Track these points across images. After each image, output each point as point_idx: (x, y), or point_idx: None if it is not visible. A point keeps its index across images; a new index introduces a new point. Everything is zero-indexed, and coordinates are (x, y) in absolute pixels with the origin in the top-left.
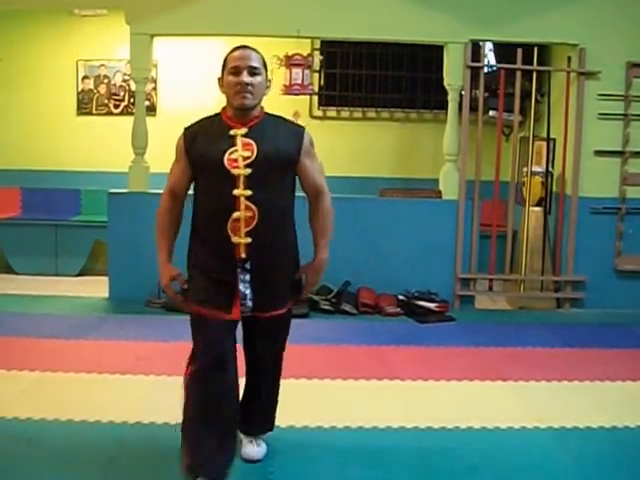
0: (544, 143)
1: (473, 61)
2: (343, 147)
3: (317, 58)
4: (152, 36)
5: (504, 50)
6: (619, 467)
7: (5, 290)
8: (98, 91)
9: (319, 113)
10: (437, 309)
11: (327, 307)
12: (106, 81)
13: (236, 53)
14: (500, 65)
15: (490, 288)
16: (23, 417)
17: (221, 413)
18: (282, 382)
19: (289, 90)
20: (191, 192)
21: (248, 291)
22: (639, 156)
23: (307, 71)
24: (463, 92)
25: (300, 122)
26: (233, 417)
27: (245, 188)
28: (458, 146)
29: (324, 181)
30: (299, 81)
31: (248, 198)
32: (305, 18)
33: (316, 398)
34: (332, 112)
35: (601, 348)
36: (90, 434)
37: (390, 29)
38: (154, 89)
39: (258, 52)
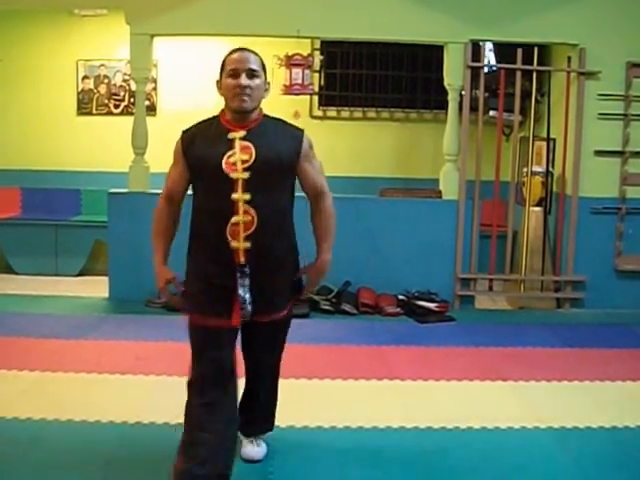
0: (544, 143)
1: (473, 61)
2: (343, 147)
3: (317, 58)
4: (152, 36)
5: (504, 50)
6: (619, 467)
7: (5, 290)
8: (98, 91)
9: (319, 113)
10: (437, 309)
11: (327, 307)
12: (106, 81)
13: (234, 55)
14: (500, 65)
15: (490, 288)
16: (23, 417)
17: (220, 423)
18: (282, 382)
19: (289, 90)
20: (190, 192)
21: (247, 295)
22: (639, 156)
23: (307, 71)
24: (463, 92)
25: (300, 122)
26: (232, 425)
27: (244, 192)
28: (458, 146)
29: (325, 182)
30: (299, 81)
31: (247, 202)
32: (305, 18)
33: (316, 398)
34: (332, 112)
35: (601, 348)
36: (90, 434)
37: (390, 29)
38: (154, 89)
39: (257, 54)
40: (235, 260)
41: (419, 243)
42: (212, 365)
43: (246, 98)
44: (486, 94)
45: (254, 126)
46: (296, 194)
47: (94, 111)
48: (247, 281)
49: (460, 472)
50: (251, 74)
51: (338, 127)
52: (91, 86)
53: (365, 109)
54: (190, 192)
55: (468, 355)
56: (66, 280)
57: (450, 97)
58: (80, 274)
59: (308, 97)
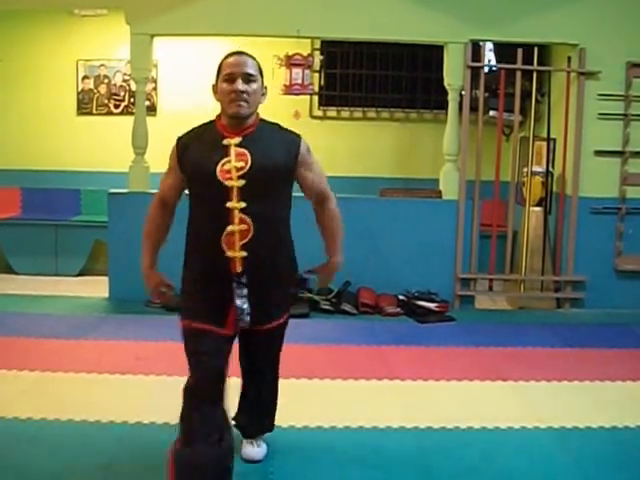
0: (544, 143)
1: (473, 61)
2: (343, 147)
3: (317, 58)
4: (152, 36)
5: (504, 50)
6: (619, 467)
7: (5, 290)
8: (98, 91)
9: (319, 113)
10: (437, 309)
11: (327, 307)
12: (106, 81)
13: (231, 59)
14: (500, 65)
15: (490, 288)
16: (23, 417)
17: (213, 434)
18: (282, 382)
19: (289, 90)
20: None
21: (246, 305)
22: (639, 156)
23: (307, 71)
24: (463, 92)
25: (300, 122)
26: (225, 435)
27: (239, 200)
28: (458, 146)
29: (327, 185)
30: (299, 81)
31: (242, 210)
32: (305, 18)
33: (316, 398)
34: (332, 112)
35: (601, 348)
36: (90, 434)
37: (390, 29)
38: (154, 89)
39: (254, 58)
40: (231, 270)
41: (419, 243)
42: (206, 374)
43: (243, 104)
44: (486, 94)
45: (250, 132)
46: (296, 194)
47: (94, 111)
48: (245, 291)
49: (460, 472)
50: (247, 79)
51: (338, 127)
52: (91, 86)
53: (365, 109)
54: (188, 193)
55: (468, 355)
56: (66, 280)
57: (450, 97)
58: (80, 274)
59: (308, 97)
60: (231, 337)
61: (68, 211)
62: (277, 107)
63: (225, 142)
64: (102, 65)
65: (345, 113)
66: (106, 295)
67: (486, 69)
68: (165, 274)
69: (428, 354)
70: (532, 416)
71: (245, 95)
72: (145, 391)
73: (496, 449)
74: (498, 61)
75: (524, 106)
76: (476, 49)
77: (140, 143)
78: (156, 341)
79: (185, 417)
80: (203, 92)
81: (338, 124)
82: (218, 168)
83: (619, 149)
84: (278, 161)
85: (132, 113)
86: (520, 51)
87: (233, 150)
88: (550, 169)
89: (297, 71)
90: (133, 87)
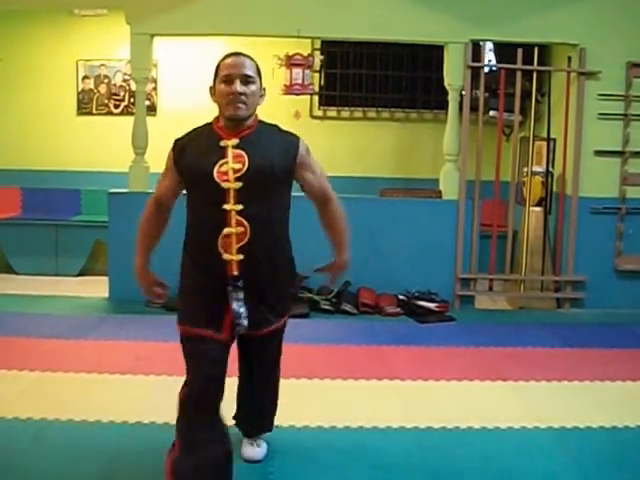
0: (544, 143)
1: (473, 61)
2: (343, 147)
3: (317, 58)
4: (152, 36)
5: (504, 50)
6: (619, 467)
7: (5, 290)
8: (98, 91)
9: (319, 113)
10: (437, 309)
11: (327, 307)
12: (106, 81)
13: (228, 60)
14: (500, 65)
15: (490, 288)
16: (23, 417)
17: (211, 432)
18: (282, 382)
19: (289, 90)
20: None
21: (242, 309)
22: (639, 156)
23: (307, 71)
24: (463, 92)
25: (300, 122)
26: (222, 431)
27: (236, 202)
28: (458, 146)
29: (328, 185)
30: (299, 81)
31: (239, 213)
32: (305, 18)
33: (316, 398)
34: (332, 112)
35: (601, 348)
36: (90, 434)
37: (390, 29)
38: (154, 89)
39: (252, 59)
40: (227, 273)
41: (419, 243)
42: (205, 383)
43: (241, 105)
44: (486, 94)
45: (248, 133)
46: (295, 194)
47: (94, 111)
48: (241, 295)
49: (460, 472)
50: (246, 80)
51: (338, 127)
52: (91, 86)
53: (365, 109)
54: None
55: (468, 355)
56: (66, 280)
57: (450, 97)
58: (80, 274)
59: (308, 97)
60: (229, 342)
61: (68, 211)
62: (277, 107)
63: (222, 144)
64: (102, 65)
65: (345, 113)
66: (106, 295)
67: (486, 69)
68: (157, 274)
69: (428, 354)
70: (532, 416)
71: (243, 97)
72: (145, 391)
73: (496, 449)
74: (498, 61)
75: (524, 106)
76: (476, 49)
77: (140, 143)
78: (156, 341)
79: (183, 424)
80: (203, 92)
81: (338, 124)
82: (215, 170)
83: (619, 149)
84: (276, 163)
85: (132, 113)
86: (520, 51)
87: (230, 152)
88: (550, 169)
89: (297, 71)
90: (133, 87)
